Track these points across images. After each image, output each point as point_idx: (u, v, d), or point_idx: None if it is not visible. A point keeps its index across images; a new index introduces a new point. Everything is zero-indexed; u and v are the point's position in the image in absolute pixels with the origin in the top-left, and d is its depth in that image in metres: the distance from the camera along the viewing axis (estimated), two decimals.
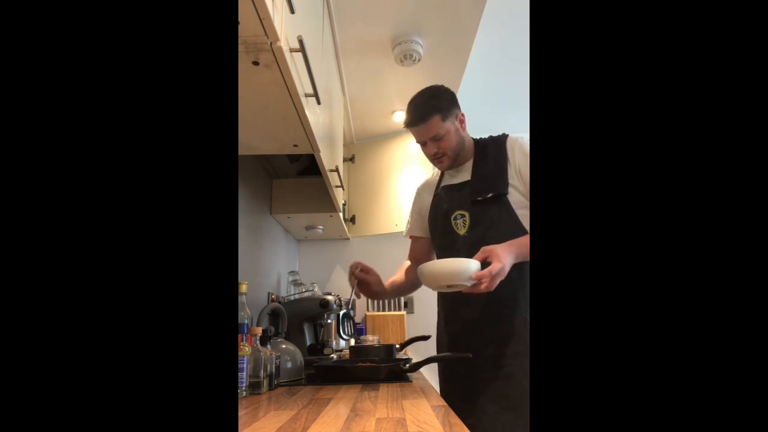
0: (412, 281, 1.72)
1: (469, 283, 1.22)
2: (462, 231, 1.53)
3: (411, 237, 1.82)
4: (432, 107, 1.50)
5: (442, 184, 1.66)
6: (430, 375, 1.75)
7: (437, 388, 1.27)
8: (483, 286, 1.20)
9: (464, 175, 1.59)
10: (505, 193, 1.46)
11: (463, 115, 1.59)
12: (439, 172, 1.72)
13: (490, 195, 1.47)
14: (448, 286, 1.28)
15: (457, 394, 1.47)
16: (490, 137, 1.62)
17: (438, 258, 1.62)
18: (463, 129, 1.59)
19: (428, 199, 1.71)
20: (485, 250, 1.25)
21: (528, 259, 1.33)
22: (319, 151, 1.61)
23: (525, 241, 1.34)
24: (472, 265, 1.22)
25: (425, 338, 1.88)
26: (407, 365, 1.41)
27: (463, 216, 1.53)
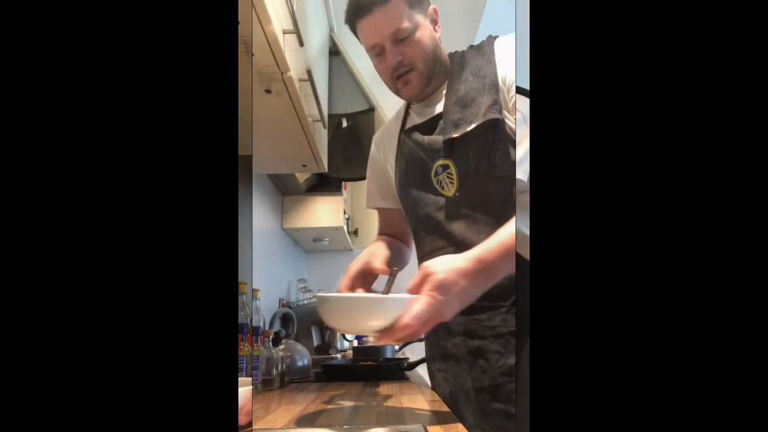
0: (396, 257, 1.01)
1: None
2: (450, 190, 0.89)
3: (377, 209, 1.13)
4: None
5: (405, 128, 0.99)
6: (426, 373, 1.74)
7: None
8: (386, 335, 0.66)
9: (434, 107, 0.95)
10: (499, 118, 0.83)
11: (436, 10, 0.96)
12: (403, 111, 1.03)
13: (475, 125, 0.84)
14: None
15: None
16: (470, 47, 0.97)
17: (417, 240, 1.00)
18: (438, 32, 0.95)
19: (391, 153, 1.03)
20: (425, 270, 0.68)
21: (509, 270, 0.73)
22: (325, 170, 1.61)
23: (504, 235, 0.72)
24: (387, 307, 0.67)
25: (421, 340, 1.88)
26: (405, 364, 1.41)
27: (446, 168, 0.88)
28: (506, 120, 0.83)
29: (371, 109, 1.67)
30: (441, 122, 0.90)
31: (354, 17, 0.92)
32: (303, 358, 1.45)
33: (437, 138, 0.90)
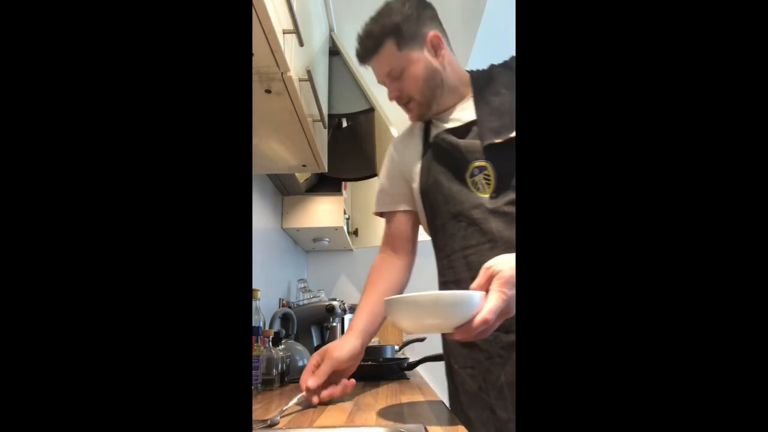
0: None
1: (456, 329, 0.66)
2: (486, 191, 0.92)
3: (389, 213, 1.13)
4: (383, 32, 0.98)
5: (438, 131, 1.03)
6: (426, 373, 1.75)
7: (432, 386, 1.26)
8: (463, 331, 0.65)
9: (466, 114, 1.00)
10: None
11: (438, 36, 0.99)
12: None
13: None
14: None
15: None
16: (493, 65, 1.04)
17: (443, 234, 1.00)
18: (441, 57, 1.00)
19: (414, 154, 1.07)
20: (489, 270, 0.68)
21: None
22: (325, 170, 1.61)
23: None
24: (461, 304, 0.65)
25: (421, 340, 1.88)
26: (405, 364, 1.41)
27: (483, 169, 0.92)
28: None
29: (371, 109, 1.68)
30: (475, 128, 0.95)
31: (361, 62, 1.05)
32: (303, 358, 1.45)
33: (474, 141, 0.94)
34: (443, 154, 0.99)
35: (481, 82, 1.00)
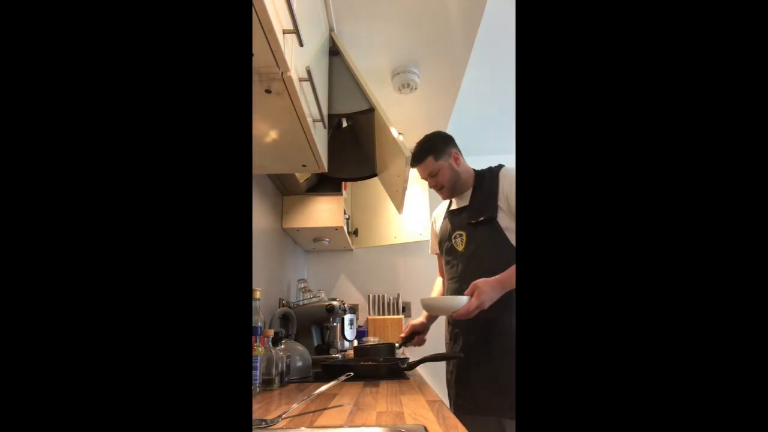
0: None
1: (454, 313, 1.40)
2: (460, 248, 1.68)
3: (435, 254, 1.94)
4: (425, 150, 1.70)
5: (449, 209, 1.81)
6: (426, 373, 1.75)
7: (432, 385, 1.26)
8: (457, 314, 1.40)
9: (464, 201, 1.74)
10: (495, 217, 1.59)
11: (457, 152, 1.75)
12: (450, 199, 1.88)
13: (482, 218, 1.61)
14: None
15: (457, 383, 1.58)
16: (488, 168, 1.74)
17: (445, 269, 1.78)
18: (458, 164, 1.73)
19: (440, 222, 1.86)
20: (474, 285, 1.40)
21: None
22: (325, 170, 1.61)
23: (512, 271, 1.46)
24: (458, 302, 1.40)
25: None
26: (405, 364, 1.41)
27: (461, 235, 1.68)
28: (499, 219, 1.58)
29: (371, 109, 1.67)
30: (466, 211, 1.70)
31: (412, 166, 1.70)
32: (303, 358, 1.45)
33: (463, 219, 1.69)
34: (446, 225, 1.77)
35: (479, 181, 1.72)
